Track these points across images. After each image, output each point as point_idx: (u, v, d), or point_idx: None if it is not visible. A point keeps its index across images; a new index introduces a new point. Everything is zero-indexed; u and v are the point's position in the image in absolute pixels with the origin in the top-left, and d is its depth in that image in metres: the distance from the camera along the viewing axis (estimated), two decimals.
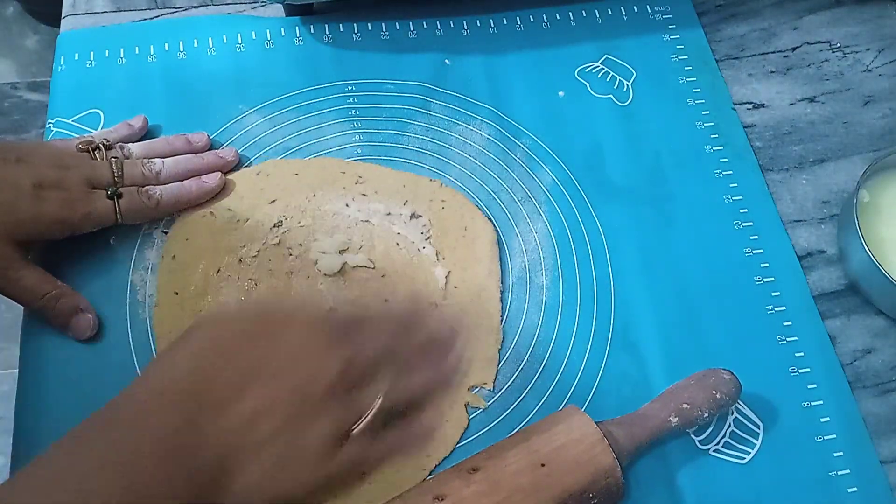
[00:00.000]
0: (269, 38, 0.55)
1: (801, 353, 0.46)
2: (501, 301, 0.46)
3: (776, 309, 0.47)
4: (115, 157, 0.45)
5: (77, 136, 0.48)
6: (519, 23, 0.57)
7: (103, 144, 0.45)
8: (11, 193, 0.41)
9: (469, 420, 0.42)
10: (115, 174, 0.44)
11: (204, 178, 0.46)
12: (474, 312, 0.44)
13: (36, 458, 0.29)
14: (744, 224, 0.50)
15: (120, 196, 0.44)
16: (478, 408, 0.43)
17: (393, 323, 0.36)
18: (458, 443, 0.42)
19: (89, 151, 0.45)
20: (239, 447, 0.31)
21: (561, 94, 0.54)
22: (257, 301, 0.43)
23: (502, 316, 0.45)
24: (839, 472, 0.42)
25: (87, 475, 0.28)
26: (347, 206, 0.47)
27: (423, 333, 0.36)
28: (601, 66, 0.55)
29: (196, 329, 0.33)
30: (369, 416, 0.33)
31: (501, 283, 0.46)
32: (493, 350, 0.44)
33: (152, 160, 0.46)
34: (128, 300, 0.45)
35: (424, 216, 0.47)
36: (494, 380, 0.43)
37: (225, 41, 0.54)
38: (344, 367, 0.33)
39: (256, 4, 0.57)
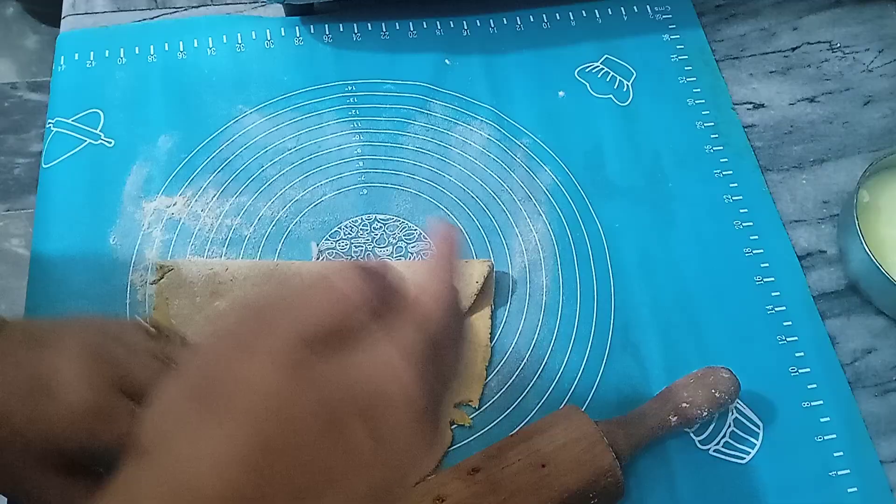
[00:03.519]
0: (269, 38, 0.55)
1: (801, 353, 0.46)
2: (492, 319, 0.45)
3: (776, 309, 0.47)
4: None
5: (78, 136, 0.47)
6: (519, 23, 0.57)
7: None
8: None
9: (453, 437, 0.42)
10: None
11: None
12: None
13: None
14: (744, 224, 0.50)
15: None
16: (462, 425, 0.42)
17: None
18: (446, 454, 0.41)
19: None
20: None
21: (561, 94, 0.54)
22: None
23: (492, 335, 0.45)
24: (839, 472, 0.42)
25: None
26: None
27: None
28: (601, 66, 0.55)
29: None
30: None
31: (494, 302, 0.46)
32: (480, 367, 0.44)
33: None
34: (127, 300, 0.45)
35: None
36: (480, 397, 0.43)
37: (225, 41, 0.54)
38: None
39: (256, 4, 0.57)
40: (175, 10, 0.56)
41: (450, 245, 0.30)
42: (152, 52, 0.53)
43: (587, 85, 0.55)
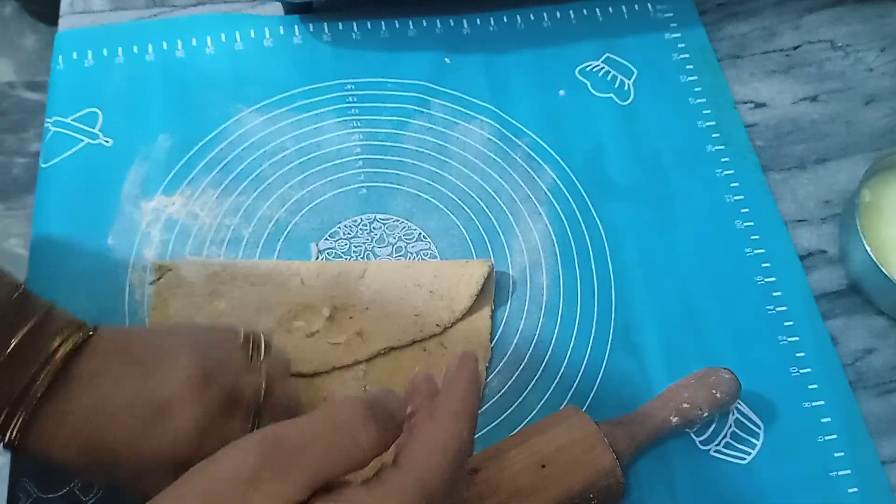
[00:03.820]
0: (267, 37, 0.55)
1: (802, 354, 0.45)
2: (492, 319, 0.45)
3: (777, 309, 0.47)
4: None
5: (76, 135, 0.47)
6: (519, 21, 0.56)
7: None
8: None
9: None
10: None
11: None
12: (463, 329, 0.44)
13: None
14: (745, 224, 0.50)
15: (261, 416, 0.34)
16: None
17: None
18: None
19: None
20: None
21: (561, 92, 0.54)
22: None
23: (492, 335, 0.45)
24: (840, 473, 0.42)
25: None
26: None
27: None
28: (602, 65, 0.55)
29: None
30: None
31: (494, 302, 0.46)
32: (480, 368, 0.43)
33: None
34: (126, 300, 0.44)
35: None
36: (481, 398, 0.43)
37: (223, 40, 0.54)
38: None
39: (255, 3, 0.56)
40: (173, 8, 0.56)
41: (469, 381, 0.30)
42: (150, 51, 0.53)
43: (588, 84, 0.54)
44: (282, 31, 0.55)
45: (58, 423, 0.31)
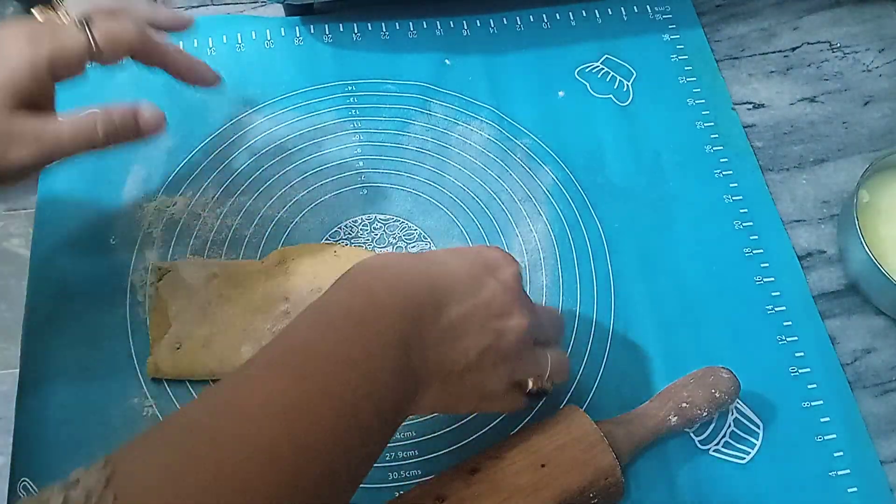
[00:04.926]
0: (269, 38, 0.55)
1: (801, 353, 0.46)
2: None
3: (776, 309, 0.47)
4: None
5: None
6: (519, 23, 0.57)
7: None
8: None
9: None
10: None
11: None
12: None
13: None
14: (744, 224, 0.50)
15: (91, 22, 0.38)
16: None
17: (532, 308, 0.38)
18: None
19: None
20: (437, 365, 0.33)
21: (561, 94, 0.54)
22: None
23: None
24: (839, 472, 0.42)
25: (334, 352, 0.31)
26: None
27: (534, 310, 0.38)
28: (601, 66, 0.55)
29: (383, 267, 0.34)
30: (544, 380, 0.38)
31: None
32: None
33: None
34: (127, 301, 0.45)
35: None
36: None
37: (225, 41, 0.54)
38: (530, 327, 0.36)
39: (256, 4, 0.57)
40: (175, 10, 0.56)
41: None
42: None
43: (587, 85, 0.55)
44: (283, 33, 0.55)
45: None
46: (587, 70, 0.55)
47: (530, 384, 0.37)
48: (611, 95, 0.54)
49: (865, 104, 0.55)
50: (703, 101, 0.54)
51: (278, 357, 0.31)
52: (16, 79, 0.37)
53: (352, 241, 0.48)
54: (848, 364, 0.46)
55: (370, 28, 0.56)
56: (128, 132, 0.39)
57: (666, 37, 0.57)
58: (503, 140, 0.52)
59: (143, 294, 0.45)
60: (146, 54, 0.41)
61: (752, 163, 0.52)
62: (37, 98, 0.38)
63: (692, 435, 0.43)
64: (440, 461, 0.41)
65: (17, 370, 0.43)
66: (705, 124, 0.53)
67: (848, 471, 0.42)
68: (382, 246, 0.48)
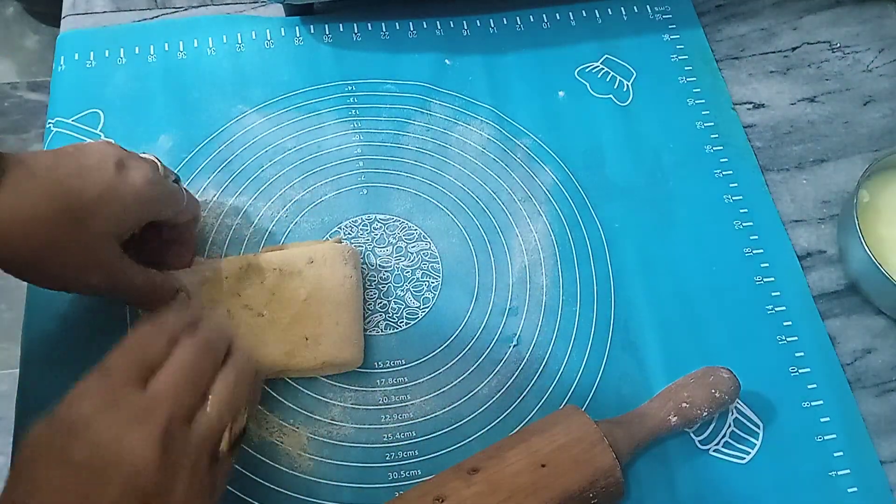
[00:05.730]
0: (269, 38, 0.55)
1: (801, 353, 0.46)
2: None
3: (776, 309, 0.47)
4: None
5: (78, 136, 0.48)
6: (519, 23, 0.57)
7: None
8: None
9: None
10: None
11: None
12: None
13: None
14: (744, 224, 0.50)
15: (178, 181, 0.43)
16: None
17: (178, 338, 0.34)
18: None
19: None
20: None
21: (561, 94, 0.54)
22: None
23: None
24: (839, 472, 0.42)
25: None
26: None
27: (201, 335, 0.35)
28: (601, 66, 0.55)
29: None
30: (226, 437, 0.33)
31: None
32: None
33: None
34: None
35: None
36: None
37: (225, 41, 0.54)
38: (161, 433, 0.31)
39: (256, 4, 0.57)
40: (175, 10, 0.56)
41: None
42: (152, 52, 0.53)
43: (587, 85, 0.55)
44: (283, 33, 0.55)
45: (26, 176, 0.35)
46: (587, 70, 0.55)
47: (223, 445, 0.33)
48: (611, 95, 0.54)
49: (865, 104, 0.55)
50: (703, 101, 0.54)
51: None
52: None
53: (352, 240, 0.48)
54: (848, 364, 0.46)
55: (370, 28, 0.56)
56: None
57: (666, 37, 0.57)
58: (503, 140, 0.52)
59: None
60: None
61: (752, 163, 0.52)
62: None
63: (692, 435, 0.43)
64: (440, 461, 0.41)
65: (17, 370, 0.43)
66: (705, 124, 0.53)
67: (848, 471, 0.42)
68: (382, 246, 0.48)
